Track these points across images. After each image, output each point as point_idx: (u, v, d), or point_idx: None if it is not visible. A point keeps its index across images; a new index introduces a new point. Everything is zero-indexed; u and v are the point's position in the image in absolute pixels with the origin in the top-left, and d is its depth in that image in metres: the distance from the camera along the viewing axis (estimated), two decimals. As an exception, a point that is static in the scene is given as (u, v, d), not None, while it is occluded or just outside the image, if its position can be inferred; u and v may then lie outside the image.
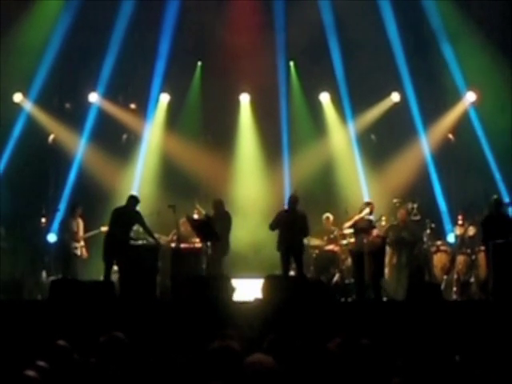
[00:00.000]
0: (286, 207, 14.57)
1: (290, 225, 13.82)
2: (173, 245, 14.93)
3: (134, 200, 14.21)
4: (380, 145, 17.88)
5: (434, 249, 15.24)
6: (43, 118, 17.57)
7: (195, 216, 15.22)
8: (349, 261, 14.91)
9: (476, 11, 17.10)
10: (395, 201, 15.72)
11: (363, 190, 17.65)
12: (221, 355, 5.33)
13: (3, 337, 8.64)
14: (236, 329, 7.60)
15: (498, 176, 16.99)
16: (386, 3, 17.65)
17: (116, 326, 6.87)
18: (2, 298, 13.44)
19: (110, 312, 10.78)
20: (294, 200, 14.27)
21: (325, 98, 18.53)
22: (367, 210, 14.33)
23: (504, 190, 16.73)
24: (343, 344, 6.26)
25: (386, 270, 14.63)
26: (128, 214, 13.94)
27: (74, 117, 17.89)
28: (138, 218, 13.98)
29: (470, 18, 17.16)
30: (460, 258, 14.76)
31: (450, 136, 17.67)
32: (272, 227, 14.04)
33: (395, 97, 18.09)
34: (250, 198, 17.80)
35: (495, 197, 14.31)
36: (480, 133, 17.31)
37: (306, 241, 14.44)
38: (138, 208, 14.17)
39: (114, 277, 14.16)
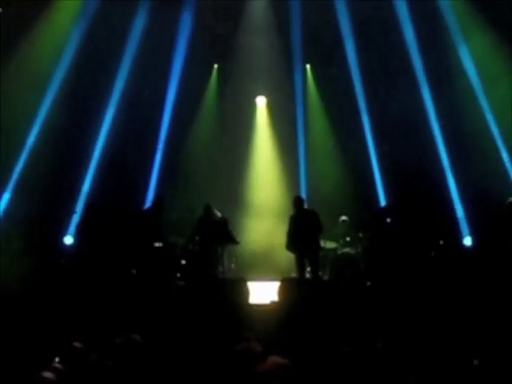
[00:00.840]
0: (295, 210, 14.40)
1: (302, 225, 13.78)
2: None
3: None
4: (397, 145, 17.77)
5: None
6: (58, 122, 17.50)
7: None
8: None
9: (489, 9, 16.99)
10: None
11: (380, 193, 17.63)
12: (244, 357, 5.34)
13: (18, 338, 8.68)
14: (253, 331, 7.60)
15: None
16: (401, 4, 17.58)
17: (132, 328, 6.88)
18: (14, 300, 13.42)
19: (126, 314, 10.81)
20: (298, 201, 14.19)
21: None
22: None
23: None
24: (358, 347, 6.25)
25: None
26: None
27: (91, 120, 17.86)
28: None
29: (483, 16, 17.08)
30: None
31: None
32: (289, 235, 13.98)
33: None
34: (265, 201, 17.81)
35: (511, 199, 14.24)
36: (495, 133, 17.21)
37: (322, 243, 14.41)
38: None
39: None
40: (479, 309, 10.82)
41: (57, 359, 6.28)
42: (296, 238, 13.76)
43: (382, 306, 11.86)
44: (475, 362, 6.04)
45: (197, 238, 14.64)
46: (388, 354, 6.05)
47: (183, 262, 14.38)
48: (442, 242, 15.14)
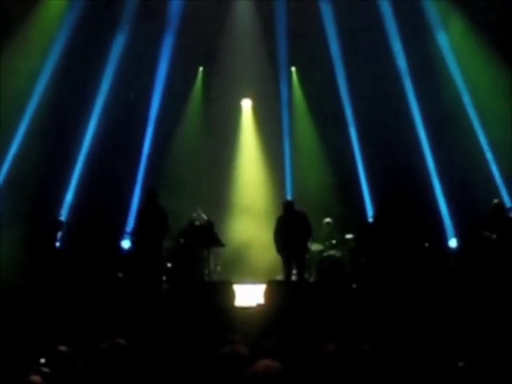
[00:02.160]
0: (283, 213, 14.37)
1: (289, 228, 13.78)
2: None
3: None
4: (382, 147, 17.80)
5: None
6: (44, 124, 17.39)
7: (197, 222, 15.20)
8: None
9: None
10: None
11: (365, 194, 17.68)
12: (230, 360, 5.34)
13: (6, 342, 8.64)
14: (239, 334, 7.60)
15: (499, 180, 16.98)
16: (386, 5, 17.61)
17: (117, 332, 6.87)
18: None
19: (111, 317, 10.78)
20: (287, 205, 14.18)
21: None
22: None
23: (505, 194, 16.71)
24: (343, 349, 6.26)
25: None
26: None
27: (76, 123, 17.78)
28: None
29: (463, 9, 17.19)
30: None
31: None
32: (276, 236, 13.96)
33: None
34: (251, 203, 17.82)
35: (496, 201, 14.31)
36: (480, 134, 17.28)
37: (308, 245, 14.43)
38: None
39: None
40: (464, 311, 10.87)
41: (42, 360, 6.27)
42: (284, 241, 13.76)
43: (367, 308, 11.90)
44: (460, 363, 6.07)
45: (182, 241, 14.68)
46: (375, 356, 6.07)
47: (169, 264, 14.38)
48: (427, 245, 15.19)
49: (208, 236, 14.40)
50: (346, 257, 15.23)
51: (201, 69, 19.00)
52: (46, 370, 5.62)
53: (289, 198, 16.23)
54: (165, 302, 12.54)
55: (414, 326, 10.06)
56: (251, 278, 15.50)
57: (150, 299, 12.31)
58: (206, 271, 14.33)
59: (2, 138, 16.69)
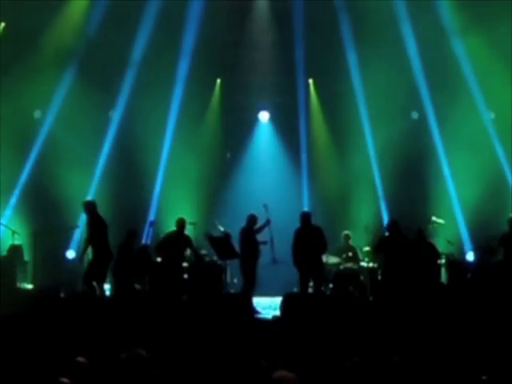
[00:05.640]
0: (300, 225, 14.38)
1: (307, 241, 13.78)
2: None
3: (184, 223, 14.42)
4: (398, 164, 17.76)
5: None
6: (62, 134, 17.50)
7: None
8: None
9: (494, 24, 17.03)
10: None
11: (382, 207, 17.66)
12: (251, 371, 5.37)
13: (22, 353, 8.67)
14: (256, 346, 7.61)
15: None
16: (404, 19, 17.60)
17: (136, 343, 6.88)
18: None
19: (130, 329, 10.80)
20: (305, 217, 14.20)
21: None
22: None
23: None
24: (361, 362, 6.26)
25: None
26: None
27: (93, 133, 17.82)
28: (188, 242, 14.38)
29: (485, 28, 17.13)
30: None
31: None
32: (294, 249, 13.97)
33: (414, 115, 18.15)
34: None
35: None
36: (500, 153, 17.23)
37: (324, 258, 14.42)
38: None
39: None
40: (487, 325, 10.81)
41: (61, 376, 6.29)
42: (300, 254, 13.76)
43: (385, 320, 11.87)
44: (484, 377, 6.04)
45: (204, 252, 14.80)
46: (394, 369, 6.05)
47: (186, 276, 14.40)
48: (443, 260, 15.10)
49: (225, 248, 14.41)
50: (363, 269, 15.21)
51: (218, 81, 19.03)
52: (65, 380, 5.64)
53: (306, 209, 16.19)
54: (182, 315, 12.56)
55: (436, 339, 10.01)
56: (268, 290, 15.47)
57: (168, 311, 12.33)
58: (223, 284, 14.34)
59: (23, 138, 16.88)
